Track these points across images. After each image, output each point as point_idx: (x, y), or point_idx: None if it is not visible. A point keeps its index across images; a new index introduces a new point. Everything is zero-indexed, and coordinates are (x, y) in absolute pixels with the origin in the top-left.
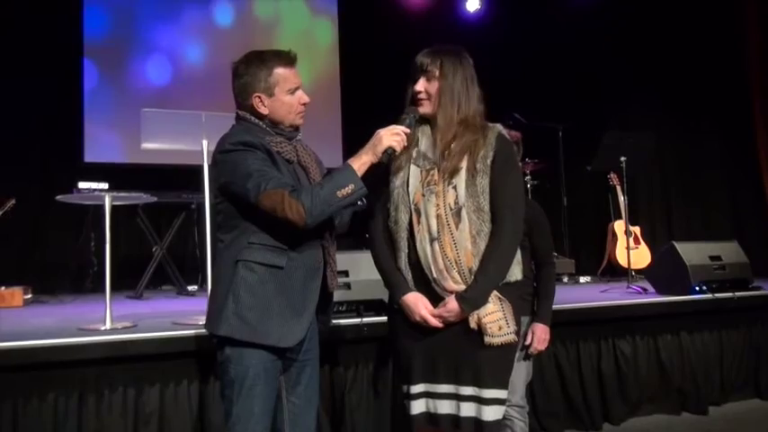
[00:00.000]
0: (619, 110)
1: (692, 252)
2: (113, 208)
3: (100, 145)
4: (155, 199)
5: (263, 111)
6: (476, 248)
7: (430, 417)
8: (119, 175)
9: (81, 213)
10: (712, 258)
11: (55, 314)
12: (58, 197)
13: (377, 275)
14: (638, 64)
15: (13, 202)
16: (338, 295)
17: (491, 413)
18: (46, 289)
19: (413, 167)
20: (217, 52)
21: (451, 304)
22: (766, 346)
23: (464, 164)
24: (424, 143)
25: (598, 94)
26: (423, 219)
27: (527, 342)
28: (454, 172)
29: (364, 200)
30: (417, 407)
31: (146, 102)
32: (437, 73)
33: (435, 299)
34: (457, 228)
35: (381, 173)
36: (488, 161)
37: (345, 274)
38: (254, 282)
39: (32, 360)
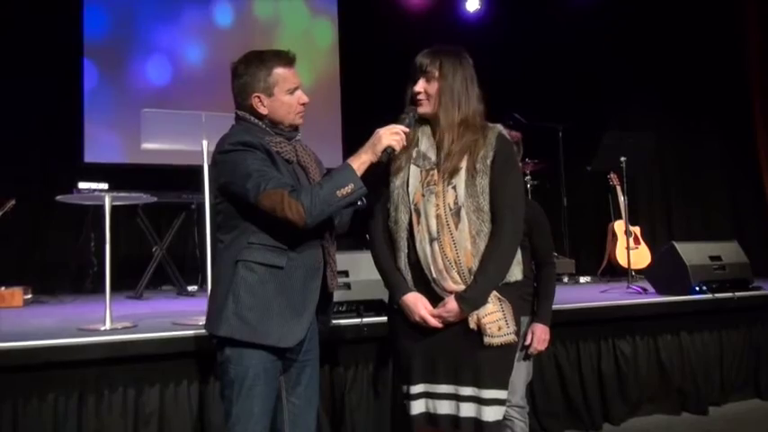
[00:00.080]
0: (619, 110)
1: (692, 252)
2: (113, 208)
3: (100, 145)
4: (155, 199)
5: (263, 111)
6: (475, 248)
7: (429, 417)
8: (119, 176)
9: (81, 213)
10: (712, 258)
11: (55, 314)
12: (58, 197)
13: (377, 275)
14: (638, 64)
15: (13, 202)
16: (338, 295)
17: (491, 413)
18: (46, 289)
19: (413, 168)
20: (217, 52)
21: (451, 304)
22: (766, 346)
23: (464, 164)
24: (425, 143)
25: (598, 94)
26: (422, 219)
27: (527, 342)
28: (454, 172)
29: (364, 200)
30: (417, 407)
31: (146, 102)
32: (436, 73)
33: (435, 299)
34: (456, 228)
35: (381, 173)
36: (488, 161)
37: (345, 274)
38: (254, 282)
39: (32, 360)
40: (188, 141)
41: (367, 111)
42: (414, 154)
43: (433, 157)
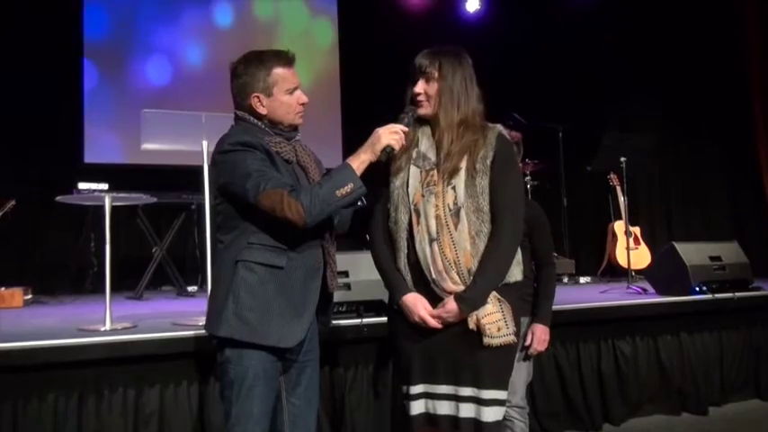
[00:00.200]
0: (619, 110)
1: (691, 252)
2: (113, 208)
3: (100, 145)
4: (154, 199)
5: (262, 111)
6: (475, 249)
7: (429, 417)
8: (119, 176)
9: (81, 214)
10: (712, 259)
11: (55, 315)
12: (58, 198)
13: (377, 276)
14: (638, 64)
15: (13, 202)
16: (338, 296)
17: (490, 414)
18: (46, 289)
19: (413, 168)
20: (217, 53)
21: (450, 305)
22: (766, 347)
23: (464, 164)
24: (424, 144)
25: (598, 95)
26: (422, 219)
27: (527, 343)
28: (454, 172)
29: (364, 199)
30: (417, 407)
31: (146, 102)
32: (436, 74)
33: (435, 299)
34: (456, 228)
35: (381, 173)
36: (488, 161)
37: (345, 274)
38: (253, 282)
39: (32, 361)
40: (188, 142)
41: (367, 111)
42: (414, 154)
43: (433, 158)
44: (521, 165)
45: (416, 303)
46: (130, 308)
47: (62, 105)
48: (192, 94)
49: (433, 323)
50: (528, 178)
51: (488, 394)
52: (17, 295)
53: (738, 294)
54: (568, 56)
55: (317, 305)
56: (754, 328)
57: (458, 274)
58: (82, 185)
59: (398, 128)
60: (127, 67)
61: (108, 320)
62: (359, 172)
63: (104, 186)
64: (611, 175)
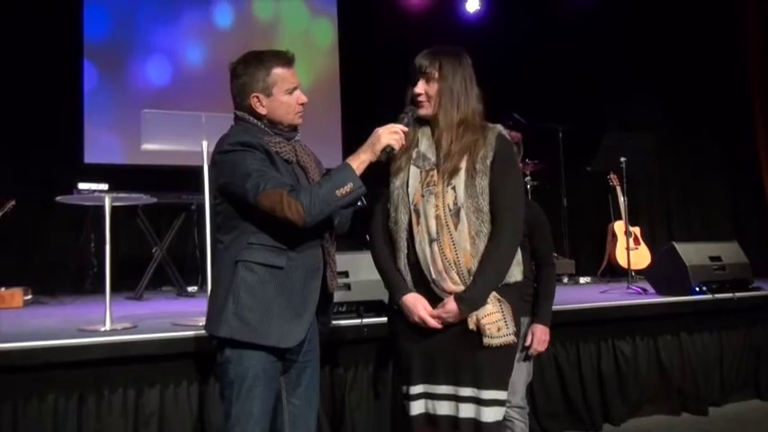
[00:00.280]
0: (619, 110)
1: (691, 252)
2: (113, 209)
3: (100, 146)
4: (154, 200)
5: (262, 111)
6: (474, 249)
7: (429, 418)
8: (119, 176)
9: (81, 214)
10: (712, 259)
11: (55, 315)
12: (58, 198)
13: (377, 276)
14: (638, 64)
15: (13, 203)
16: (338, 296)
17: (490, 414)
18: (46, 290)
19: (413, 168)
20: (216, 53)
21: (450, 305)
22: (766, 347)
23: (463, 164)
24: (424, 144)
25: (598, 95)
26: (422, 219)
27: (527, 343)
28: (454, 172)
29: (364, 200)
30: (417, 408)
31: (146, 103)
32: (436, 75)
33: (435, 300)
34: (456, 228)
35: (382, 173)
36: (488, 161)
37: (345, 274)
38: (253, 282)
39: (32, 361)
40: (188, 142)
41: (367, 111)
42: (414, 155)
43: (433, 158)
44: (521, 165)
45: (416, 303)
46: (130, 308)
47: (62, 106)
48: (191, 94)
49: (433, 323)
50: (528, 178)
51: (488, 394)
52: (17, 295)
53: (738, 294)
54: (568, 56)
55: (317, 305)
56: (754, 328)
57: (458, 274)
58: (82, 186)
59: (398, 128)
60: (127, 67)
61: (108, 321)
62: (359, 172)
63: (104, 186)
64: (611, 176)
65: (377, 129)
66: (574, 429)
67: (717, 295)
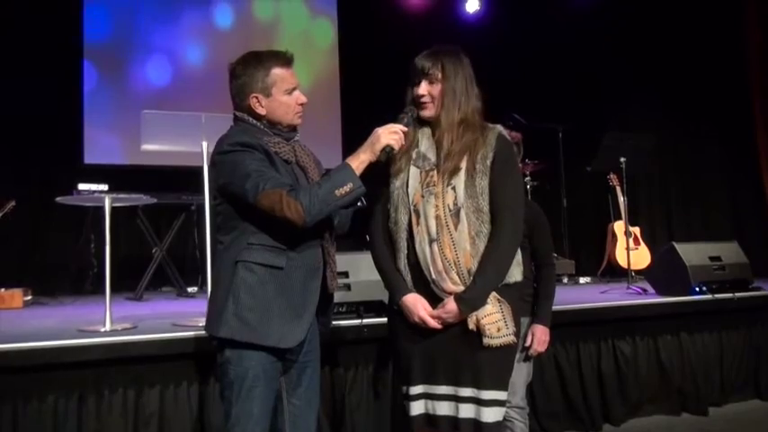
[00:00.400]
0: (619, 110)
1: (691, 253)
2: (113, 209)
3: (100, 146)
4: (154, 200)
5: (261, 111)
6: (474, 249)
7: (429, 418)
8: (118, 177)
9: (81, 215)
10: (712, 259)
11: (55, 316)
12: (58, 199)
13: (377, 276)
14: (638, 64)
15: (13, 203)
16: (338, 296)
17: (490, 414)
18: (46, 290)
19: (412, 169)
20: (216, 53)
21: (450, 305)
22: (766, 347)
23: (464, 164)
24: (424, 144)
25: (598, 95)
26: (422, 220)
27: (527, 343)
28: (454, 172)
29: (364, 200)
30: (416, 408)
31: (145, 103)
32: (439, 75)
33: (435, 300)
34: (456, 228)
35: (381, 173)
36: (488, 162)
37: (345, 275)
38: (253, 282)
39: (32, 361)
40: (188, 142)
41: (366, 111)
42: (414, 155)
43: (433, 158)
44: (520, 165)
45: (416, 304)
46: (130, 308)
47: (62, 106)
48: (191, 94)
49: (433, 324)
50: (528, 178)
51: (488, 395)
52: (17, 296)
53: (738, 294)
54: (568, 56)
55: (318, 306)
56: (754, 328)
57: (458, 274)
58: (82, 186)
59: (398, 128)
60: (127, 68)
61: (108, 321)
62: (358, 172)
63: (104, 187)
64: (611, 176)
65: (376, 129)
66: (574, 429)
67: (717, 295)
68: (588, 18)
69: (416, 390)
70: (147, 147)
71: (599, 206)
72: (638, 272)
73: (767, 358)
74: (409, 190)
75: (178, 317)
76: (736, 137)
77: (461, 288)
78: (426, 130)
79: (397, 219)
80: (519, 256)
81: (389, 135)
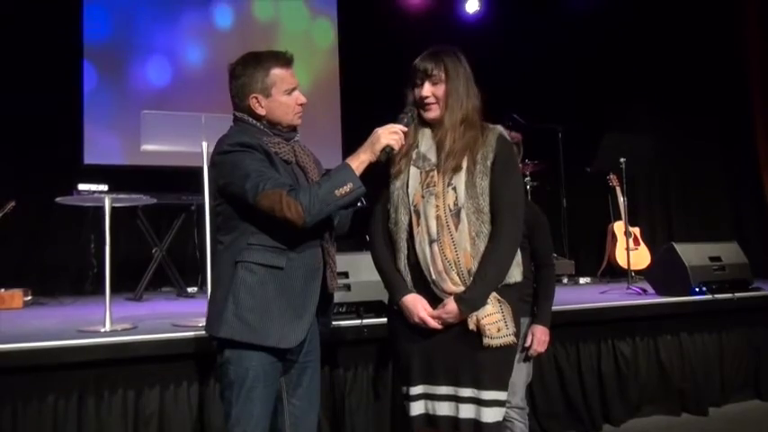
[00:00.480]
0: (619, 111)
1: (691, 253)
2: (113, 210)
3: (99, 147)
4: (154, 200)
5: (261, 111)
6: (475, 250)
7: (429, 418)
8: (118, 177)
9: (81, 215)
10: (712, 259)
11: (55, 316)
12: (58, 199)
13: (377, 277)
14: (638, 65)
15: (13, 203)
16: (338, 297)
17: (491, 415)
18: (46, 291)
19: (413, 169)
20: (216, 54)
21: (450, 306)
22: (766, 347)
23: (465, 163)
24: (425, 145)
25: (598, 96)
26: (422, 220)
27: (527, 344)
28: (455, 170)
29: (363, 200)
30: (416, 408)
31: (145, 103)
32: (443, 76)
33: (435, 300)
34: (456, 229)
35: (381, 174)
36: (488, 162)
37: (345, 275)
38: (253, 283)
39: (32, 362)
40: (188, 143)
41: (366, 111)
42: (414, 155)
43: (433, 159)
44: (520, 165)
45: (416, 304)
46: (130, 309)
47: (62, 107)
48: (191, 95)
49: (433, 324)
50: (528, 179)
51: (488, 395)
52: (17, 296)
53: (738, 295)
54: (568, 56)
55: (318, 306)
56: (753, 329)
57: (458, 274)
58: (82, 187)
59: (398, 128)
60: (126, 68)
61: (108, 321)
62: (358, 172)
63: (104, 187)
64: (611, 176)
65: (376, 129)
66: (574, 430)
67: (716, 295)
68: (588, 19)
69: (416, 390)
70: (146, 147)
71: (599, 207)
72: (638, 272)
73: (767, 358)
74: (409, 190)
75: (178, 317)
76: (735, 137)
77: (461, 288)
78: (426, 131)
79: (397, 219)
80: (518, 256)
81: (389, 135)
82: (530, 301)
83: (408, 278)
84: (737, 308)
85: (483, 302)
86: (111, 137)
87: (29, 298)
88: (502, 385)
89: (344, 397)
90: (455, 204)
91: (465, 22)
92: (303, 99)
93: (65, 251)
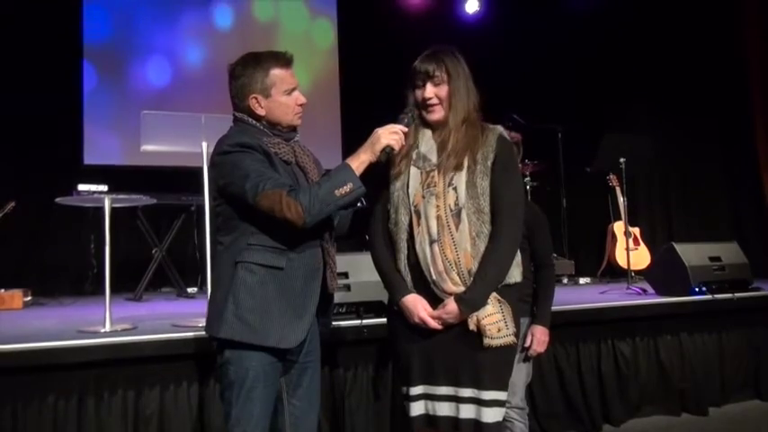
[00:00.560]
0: (618, 111)
1: (691, 253)
2: (113, 210)
3: (99, 147)
4: (154, 201)
5: (260, 112)
6: (475, 250)
7: (429, 419)
8: (118, 178)
9: (81, 215)
10: (712, 259)
11: (54, 316)
12: (58, 199)
13: (376, 277)
14: (638, 65)
15: (13, 204)
16: (338, 297)
17: (491, 415)
18: (46, 291)
19: (413, 169)
20: (216, 54)
21: (450, 306)
22: (766, 347)
23: (466, 161)
24: (425, 145)
25: (598, 96)
26: (422, 220)
27: (526, 344)
28: (456, 168)
29: (363, 200)
30: (417, 409)
31: (145, 104)
32: (445, 77)
33: (435, 300)
34: (457, 229)
35: (381, 174)
36: (489, 162)
37: (345, 275)
38: (253, 283)
39: (32, 362)
40: (187, 143)
41: (366, 111)
42: (414, 156)
43: (434, 159)
44: (520, 165)
45: (416, 304)
46: (130, 309)
47: (62, 107)
48: (191, 95)
49: (434, 324)
50: (527, 179)
51: (489, 395)
52: (17, 297)
53: (738, 295)
54: (568, 56)
55: (318, 306)
56: (753, 329)
57: (458, 274)
58: (81, 187)
59: (398, 128)
60: (126, 68)
61: (108, 322)
62: (358, 172)
63: (104, 188)
64: (611, 176)
65: (377, 129)
66: (573, 430)
67: (716, 295)
68: (588, 18)
69: (416, 390)
70: (146, 147)
71: (599, 207)
72: (638, 272)
73: (767, 358)
74: (410, 191)
75: (178, 317)
76: (735, 137)
77: (462, 289)
78: (426, 132)
79: (397, 220)
80: (518, 256)
81: (390, 135)
82: (529, 302)
83: (408, 278)
84: (737, 308)
85: (483, 303)
86: (111, 137)
87: (29, 298)
88: (502, 385)
89: (344, 397)
90: (456, 204)
91: (465, 23)
92: (303, 99)
93: (65, 251)
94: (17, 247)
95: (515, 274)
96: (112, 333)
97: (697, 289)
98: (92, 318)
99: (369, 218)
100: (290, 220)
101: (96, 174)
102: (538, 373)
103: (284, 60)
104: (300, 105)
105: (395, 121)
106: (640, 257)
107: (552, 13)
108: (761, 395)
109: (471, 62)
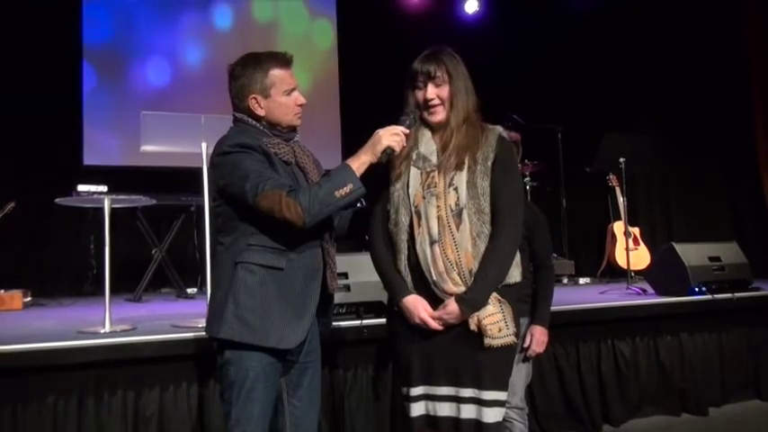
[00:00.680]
0: (618, 111)
1: (691, 253)
2: (113, 210)
3: (99, 148)
4: (154, 201)
5: (260, 112)
6: (475, 250)
7: (430, 419)
8: (118, 178)
9: (81, 216)
10: (711, 259)
11: (54, 317)
12: (58, 200)
13: (376, 277)
14: (638, 65)
15: (13, 205)
16: (338, 297)
17: (491, 415)
18: (45, 292)
19: (413, 170)
20: (216, 55)
21: (451, 306)
22: (766, 347)
23: (466, 161)
24: (425, 146)
25: (598, 96)
26: (423, 221)
27: (525, 344)
28: (457, 167)
29: (363, 201)
30: (417, 409)
31: (145, 104)
32: (446, 77)
33: (435, 301)
34: (458, 229)
35: (382, 175)
36: (489, 163)
37: (345, 275)
38: (253, 283)
39: (32, 363)
40: (187, 144)
41: (366, 112)
42: (414, 156)
43: (434, 159)
44: (520, 166)
45: (417, 305)
46: (130, 310)
47: (62, 107)
48: (191, 96)
49: (434, 325)
50: (527, 179)
51: (489, 395)
52: (17, 298)
53: (738, 295)
54: (568, 56)
55: (318, 306)
56: (753, 329)
57: (459, 275)
58: (81, 187)
59: (399, 129)
60: (126, 69)
61: (107, 322)
62: (359, 173)
63: (104, 188)
64: (611, 176)
65: (378, 130)
66: (573, 430)
67: (716, 295)
68: (588, 18)
69: (417, 391)
70: (146, 148)
71: (599, 207)
72: (638, 272)
73: (767, 358)
74: (410, 191)
75: (178, 318)
76: (735, 137)
77: (462, 289)
78: (426, 132)
79: (397, 220)
80: (518, 256)
81: (391, 137)
82: (529, 302)
83: (408, 279)
84: (737, 308)
85: (484, 303)
86: (111, 138)
87: (28, 299)
88: (502, 385)
89: (344, 397)
90: (456, 205)
91: (464, 23)
92: (302, 100)
93: (64, 252)
94: (17, 248)
95: (515, 275)
96: (112, 334)
97: (697, 289)
98: (91, 318)
99: (369, 218)
100: (289, 221)
101: (96, 174)
102: (538, 373)
103: (284, 61)
104: (300, 106)
105: (395, 121)
106: (640, 257)
107: (552, 13)
108: (761, 395)
109: (471, 62)
